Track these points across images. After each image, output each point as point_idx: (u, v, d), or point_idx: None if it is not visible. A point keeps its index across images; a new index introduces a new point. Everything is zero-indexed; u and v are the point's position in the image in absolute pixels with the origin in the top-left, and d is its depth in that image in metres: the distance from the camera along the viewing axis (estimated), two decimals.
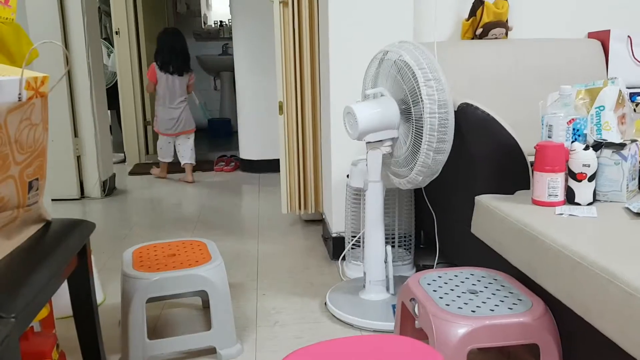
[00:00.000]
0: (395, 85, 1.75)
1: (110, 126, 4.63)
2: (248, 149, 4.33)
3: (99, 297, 2.06)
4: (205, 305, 2.01)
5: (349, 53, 2.27)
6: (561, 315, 1.29)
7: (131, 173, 4.48)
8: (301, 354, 1.00)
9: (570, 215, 1.42)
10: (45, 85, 1.07)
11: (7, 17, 1.26)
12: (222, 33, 6.55)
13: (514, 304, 1.33)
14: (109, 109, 4.14)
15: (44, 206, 1.23)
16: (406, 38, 2.24)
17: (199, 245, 1.82)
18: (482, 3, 2.36)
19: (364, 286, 1.96)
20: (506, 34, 2.41)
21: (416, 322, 1.39)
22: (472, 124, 1.68)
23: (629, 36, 2.40)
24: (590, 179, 1.49)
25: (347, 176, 2.23)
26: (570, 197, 1.52)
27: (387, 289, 1.95)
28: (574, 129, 1.57)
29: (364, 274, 1.95)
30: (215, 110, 6.65)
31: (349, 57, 2.27)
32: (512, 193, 1.67)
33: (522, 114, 2.21)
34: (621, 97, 1.64)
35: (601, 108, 1.62)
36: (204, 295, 1.98)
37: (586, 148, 1.49)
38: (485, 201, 1.63)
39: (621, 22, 2.55)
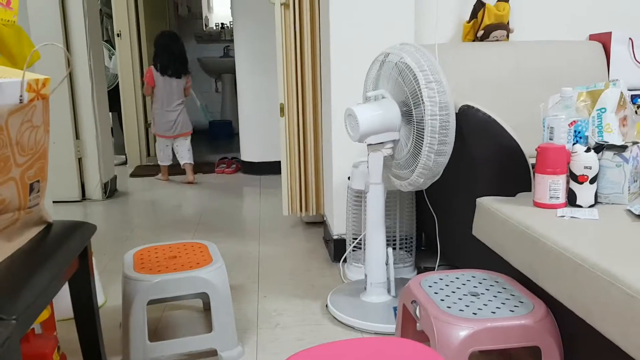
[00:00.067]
0: (397, 87, 1.75)
1: (112, 128, 4.64)
2: (249, 151, 4.33)
3: (100, 299, 2.06)
4: (206, 308, 2.01)
5: (350, 55, 2.27)
6: (562, 318, 1.29)
7: (132, 175, 4.49)
8: (302, 356, 1.00)
9: (571, 217, 1.42)
10: (47, 88, 1.07)
11: (8, 20, 1.26)
12: (224, 35, 6.56)
13: (515, 306, 1.33)
14: (110, 111, 4.15)
15: (45, 208, 1.23)
16: (407, 40, 2.24)
17: (200, 247, 1.81)
18: (483, 5, 2.36)
19: (365, 288, 1.96)
20: (507, 36, 2.41)
21: (417, 324, 1.39)
22: (473, 126, 1.68)
23: (630, 38, 2.40)
24: (592, 181, 1.49)
25: (348, 178, 2.23)
26: (571, 200, 1.52)
27: (389, 291, 1.94)
28: (575, 131, 1.57)
29: (365, 276, 1.95)
30: (216, 113, 6.66)
31: (350, 59, 2.27)
32: (514, 195, 1.67)
33: (523, 116, 2.21)
34: (623, 99, 1.64)
35: (603, 110, 1.62)
36: (205, 298, 1.98)
37: (588, 150, 1.49)
38: (486, 203, 1.63)
39: (622, 24, 2.55)
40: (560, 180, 1.49)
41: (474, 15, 2.40)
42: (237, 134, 4.51)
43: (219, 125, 6.34)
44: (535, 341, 1.27)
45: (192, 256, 1.73)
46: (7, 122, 0.97)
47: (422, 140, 1.65)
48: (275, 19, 2.60)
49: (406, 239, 2.26)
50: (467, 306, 1.33)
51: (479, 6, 2.37)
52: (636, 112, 2.17)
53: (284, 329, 1.86)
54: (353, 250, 2.29)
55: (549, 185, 1.49)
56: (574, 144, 1.55)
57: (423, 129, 1.64)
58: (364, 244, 2.03)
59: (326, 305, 2.00)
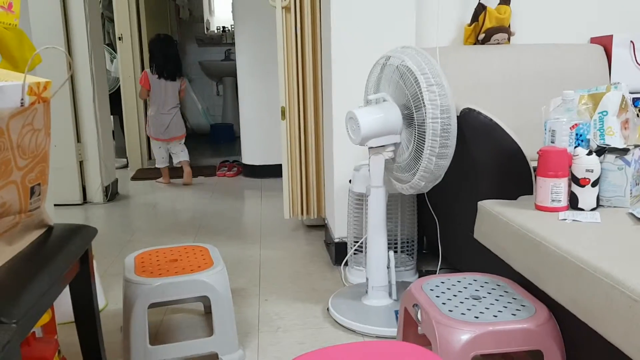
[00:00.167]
0: (398, 90, 1.75)
1: (113, 131, 4.64)
2: (250, 154, 4.33)
3: (101, 302, 2.05)
4: (207, 311, 2.01)
5: (351, 58, 2.27)
6: (565, 321, 1.28)
7: (133, 178, 4.49)
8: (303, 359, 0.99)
9: (573, 220, 1.42)
10: (48, 91, 1.07)
11: (10, 23, 1.26)
12: (225, 39, 6.57)
13: (517, 310, 1.32)
14: (111, 114, 4.15)
15: (46, 211, 1.23)
16: (408, 43, 2.24)
17: (201, 251, 1.81)
18: (485, 8, 2.36)
19: (367, 292, 1.96)
20: (508, 39, 2.41)
21: (419, 328, 1.38)
22: (474, 129, 1.67)
23: (631, 41, 2.39)
24: (594, 184, 1.49)
25: (350, 181, 2.23)
26: (573, 203, 1.51)
27: (390, 294, 1.94)
28: (577, 134, 1.57)
29: (367, 279, 1.95)
30: (217, 116, 6.67)
31: (351, 62, 2.27)
32: (515, 198, 1.66)
33: (524, 119, 2.21)
34: (624, 102, 1.64)
35: (604, 113, 1.62)
36: (206, 301, 1.98)
37: (589, 153, 1.49)
38: (488, 206, 1.62)
39: (624, 27, 2.55)
40: (562, 183, 1.49)
41: (475, 18, 2.40)
42: (239, 137, 4.51)
43: (220, 129, 6.35)
44: (537, 345, 1.26)
45: (193, 259, 1.73)
46: (8, 125, 0.97)
47: (424, 143, 1.65)
48: (276, 22, 2.60)
49: (407, 242, 2.25)
50: (469, 310, 1.33)
51: (480, 9, 2.37)
52: (638, 115, 2.17)
53: (285, 332, 1.86)
54: (354, 254, 2.29)
55: (551, 189, 1.49)
56: (575, 147, 1.55)
57: (424, 132, 1.64)
58: (365, 247, 2.03)
59: (327, 309, 2.00)
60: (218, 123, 6.52)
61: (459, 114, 1.70)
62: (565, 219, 1.43)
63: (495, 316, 1.29)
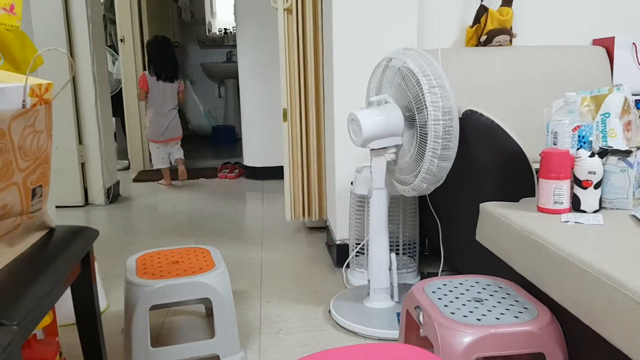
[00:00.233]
0: (400, 92, 1.75)
1: (115, 133, 4.65)
2: (252, 156, 4.33)
3: (103, 304, 2.05)
4: (209, 313, 2.01)
5: (353, 60, 2.27)
6: (567, 324, 1.28)
7: (135, 180, 4.49)
8: None
9: (576, 222, 1.41)
10: (50, 92, 1.07)
11: (12, 25, 1.26)
12: (227, 40, 6.58)
13: (519, 312, 1.32)
14: (113, 116, 4.16)
15: (48, 213, 1.23)
16: (410, 45, 2.24)
17: (203, 253, 1.81)
18: (486, 10, 2.36)
19: (368, 294, 1.95)
20: (510, 41, 2.40)
21: (421, 330, 1.38)
22: (476, 131, 1.67)
23: (633, 43, 2.39)
24: (596, 186, 1.48)
25: (351, 183, 2.23)
26: (576, 205, 1.51)
27: (392, 296, 1.94)
28: (579, 136, 1.57)
29: (368, 281, 1.94)
30: (219, 118, 6.67)
31: (353, 64, 2.27)
32: (517, 200, 1.66)
33: (526, 121, 2.21)
34: (627, 104, 1.63)
35: (607, 115, 1.61)
36: (207, 303, 1.97)
37: (592, 155, 1.48)
38: (490, 208, 1.62)
39: (626, 29, 2.54)
40: (564, 185, 1.48)
41: (477, 20, 2.40)
42: (240, 139, 4.51)
43: (222, 130, 6.35)
44: (539, 347, 1.26)
45: (194, 261, 1.73)
46: (10, 127, 0.97)
47: (426, 145, 1.64)
48: (278, 23, 2.60)
49: (409, 244, 2.25)
50: (471, 312, 1.32)
51: (482, 11, 2.37)
52: None
53: (286, 334, 1.85)
54: (356, 256, 2.28)
55: (553, 191, 1.49)
56: (578, 149, 1.55)
57: (426, 134, 1.64)
58: (367, 249, 2.02)
59: (329, 311, 2.00)
60: (220, 125, 6.52)
61: (461, 116, 1.70)
62: (568, 221, 1.43)
63: (498, 319, 1.29)
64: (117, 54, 4.97)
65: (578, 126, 1.56)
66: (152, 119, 4.14)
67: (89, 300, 1.35)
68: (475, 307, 1.35)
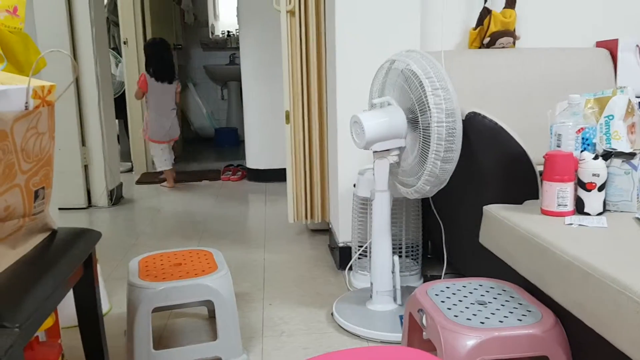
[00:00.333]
0: (403, 94, 1.75)
1: (118, 135, 4.65)
2: (255, 159, 4.33)
3: (105, 306, 2.05)
4: (211, 315, 2.00)
5: (356, 62, 2.26)
6: (571, 327, 1.27)
7: (138, 182, 4.49)
8: None
9: (580, 225, 1.41)
10: (52, 94, 1.07)
11: (15, 27, 1.26)
12: (230, 43, 6.59)
13: (523, 315, 1.31)
14: (116, 118, 4.16)
15: (50, 215, 1.23)
16: (413, 47, 2.24)
17: (205, 255, 1.81)
18: (490, 12, 2.35)
19: (371, 296, 1.95)
20: (514, 43, 2.40)
21: (424, 333, 1.38)
22: (480, 133, 1.67)
23: (637, 45, 2.38)
24: (600, 188, 1.48)
25: (354, 185, 2.22)
26: (579, 207, 1.50)
27: (395, 299, 1.93)
28: (583, 138, 1.56)
29: (371, 284, 1.94)
30: (222, 120, 6.67)
31: (356, 65, 2.27)
32: (521, 203, 1.65)
33: (530, 123, 2.20)
34: (630, 106, 1.63)
35: (610, 117, 1.61)
36: (210, 305, 1.97)
37: (596, 157, 1.48)
38: (493, 211, 1.62)
39: (629, 31, 2.54)
40: (568, 187, 1.48)
41: (480, 22, 2.40)
42: (243, 141, 4.51)
43: (225, 133, 6.36)
44: (543, 351, 1.25)
45: (197, 263, 1.73)
46: (13, 129, 0.97)
47: (429, 148, 1.64)
48: (281, 26, 2.60)
49: (412, 247, 2.24)
50: (475, 315, 1.32)
51: (485, 13, 2.37)
52: None
53: (289, 337, 1.85)
54: (359, 258, 2.28)
55: (557, 193, 1.48)
56: (581, 151, 1.54)
57: (429, 136, 1.63)
58: (370, 252, 2.02)
59: (332, 314, 1.99)
60: (222, 127, 6.53)
61: (464, 118, 1.69)
62: (572, 224, 1.42)
63: (501, 322, 1.28)
64: (120, 56, 4.98)
65: (582, 128, 1.56)
66: (153, 120, 4.18)
67: (91, 302, 1.35)
68: (479, 310, 1.34)
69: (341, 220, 2.41)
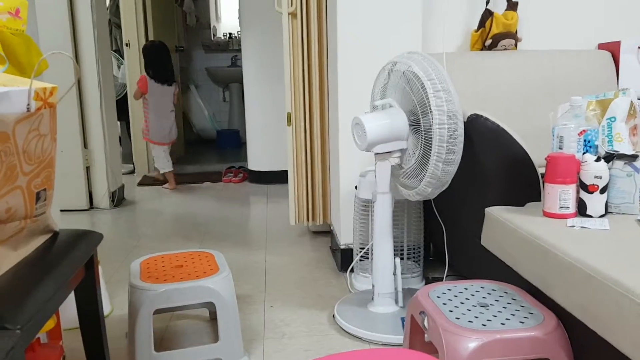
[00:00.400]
0: (404, 96, 1.74)
1: (120, 137, 4.66)
2: (256, 160, 4.33)
3: (106, 308, 2.05)
4: (213, 317, 2.00)
5: (358, 64, 2.26)
6: (573, 330, 1.27)
7: (140, 184, 4.50)
8: None
9: (582, 227, 1.41)
10: (54, 96, 1.07)
11: (17, 29, 1.26)
12: (231, 45, 6.60)
13: (525, 317, 1.31)
14: (118, 120, 4.17)
15: (52, 217, 1.23)
16: (415, 49, 2.24)
17: (207, 257, 1.81)
18: (491, 14, 2.35)
19: (373, 299, 1.94)
20: (515, 45, 2.40)
21: (426, 335, 1.37)
22: (482, 135, 1.67)
23: (639, 47, 2.38)
24: (602, 190, 1.47)
25: (356, 187, 2.22)
26: (581, 209, 1.50)
27: (396, 301, 1.93)
28: (585, 140, 1.56)
29: (373, 286, 1.94)
30: (224, 122, 6.68)
31: (358, 67, 2.27)
32: (523, 205, 1.65)
33: (532, 125, 2.20)
34: (633, 108, 1.62)
35: (612, 119, 1.60)
36: (211, 307, 1.97)
37: (598, 159, 1.48)
38: (495, 213, 1.61)
39: (631, 33, 2.54)
40: (570, 190, 1.48)
41: (482, 24, 2.40)
42: (245, 143, 4.52)
43: (227, 135, 6.36)
44: (545, 353, 1.25)
45: (198, 265, 1.73)
46: (14, 131, 0.97)
47: (430, 150, 1.64)
48: (282, 28, 2.60)
49: (414, 249, 2.24)
50: (477, 317, 1.32)
51: (487, 15, 2.37)
52: None
53: (290, 339, 1.85)
54: (360, 260, 2.28)
55: (559, 195, 1.48)
56: (583, 153, 1.54)
57: (431, 138, 1.63)
58: (372, 254, 2.02)
59: (333, 316, 1.99)
60: (224, 129, 6.53)
61: (466, 120, 1.69)
62: (574, 226, 1.42)
63: (503, 324, 1.28)
64: (123, 58, 4.99)
65: (584, 130, 1.55)
66: (154, 122, 4.23)
67: (92, 304, 1.35)
68: (481, 313, 1.34)
69: (343, 222, 2.41)
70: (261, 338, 1.86)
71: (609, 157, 1.50)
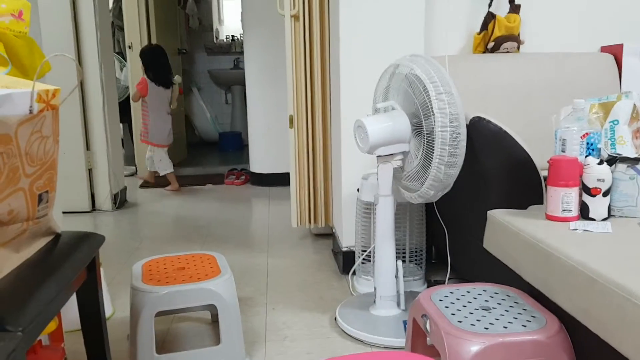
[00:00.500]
0: (407, 98, 1.74)
1: (122, 139, 4.67)
2: (258, 163, 4.33)
3: (108, 310, 2.05)
4: (214, 319, 2.00)
5: (360, 66, 2.27)
6: (576, 333, 1.27)
7: (142, 186, 4.50)
8: None
9: (584, 230, 1.40)
10: (57, 98, 1.07)
11: (20, 31, 1.27)
12: (234, 47, 6.61)
13: (527, 321, 1.31)
14: (120, 122, 4.18)
15: (54, 219, 1.23)
16: (417, 51, 2.24)
17: (209, 259, 1.81)
18: (494, 17, 2.35)
19: (375, 301, 1.94)
20: (518, 47, 2.40)
21: (428, 338, 1.37)
22: (484, 138, 1.66)
23: None
24: (605, 194, 1.47)
25: (358, 190, 2.22)
26: (584, 212, 1.50)
27: (398, 304, 1.92)
28: (587, 143, 1.55)
29: (375, 289, 1.93)
30: (226, 124, 6.68)
31: (360, 70, 2.27)
32: (525, 208, 1.65)
33: (534, 127, 2.20)
34: (635, 111, 1.62)
35: (615, 122, 1.60)
36: (213, 310, 1.97)
37: (600, 162, 1.47)
38: (497, 216, 1.61)
39: (634, 36, 2.53)
40: (573, 192, 1.47)
41: (484, 26, 2.40)
42: (247, 145, 4.52)
43: (229, 137, 6.36)
44: (548, 357, 1.25)
45: (200, 268, 1.73)
46: (17, 133, 0.98)
47: (433, 152, 1.64)
48: (285, 30, 2.60)
49: (416, 252, 2.24)
50: (479, 321, 1.31)
51: (490, 18, 2.37)
52: None
53: (292, 341, 1.84)
54: (362, 263, 2.27)
55: (562, 198, 1.47)
56: (586, 156, 1.54)
57: (433, 140, 1.63)
58: (373, 257, 2.01)
59: (335, 318, 1.99)
60: (226, 131, 6.54)
61: (468, 123, 1.69)
62: (576, 229, 1.41)
63: (506, 327, 1.28)
64: (125, 60, 5.00)
65: (586, 133, 1.55)
66: (154, 125, 4.28)
67: (94, 306, 1.35)
68: (483, 316, 1.34)
69: (345, 224, 2.41)
70: (263, 341, 1.86)
71: (612, 160, 1.50)
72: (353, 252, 2.37)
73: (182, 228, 3.25)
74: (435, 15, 2.41)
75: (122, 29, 5.02)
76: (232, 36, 6.67)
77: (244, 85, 4.45)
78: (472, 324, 1.29)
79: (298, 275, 2.45)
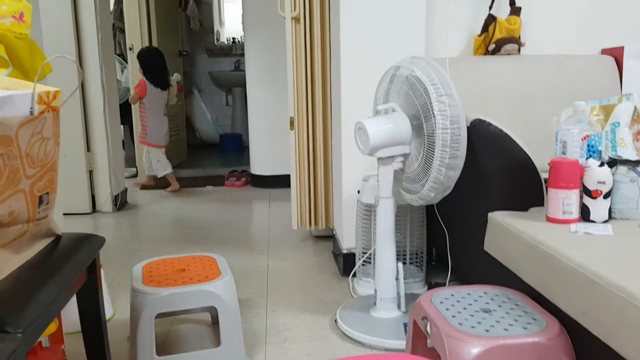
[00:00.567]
0: (407, 100, 1.74)
1: (123, 141, 4.67)
2: (259, 164, 4.33)
3: (108, 312, 2.05)
4: (215, 321, 2.00)
5: (361, 68, 2.27)
6: (577, 335, 1.26)
7: (143, 188, 4.50)
8: None
9: (585, 232, 1.40)
10: (57, 100, 1.07)
11: (21, 32, 1.27)
12: (235, 49, 6.61)
13: (528, 323, 1.30)
14: (121, 124, 4.18)
15: (54, 220, 1.23)
16: (418, 53, 2.24)
17: (209, 261, 1.81)
18: (495, 19, 2.35)
19: (375, 303, 1.94)
20: (519, 50, 2.40)
21: (428, 341, 1.37)
22: (485, 140, 1.66)
23: None
24: (606, 196, 1.47)
25: (358, 192, 2.22)
26: (585, 215, 1.49)
27: (399, 306, 1.92)
28: (588, 146, 1.55)
29: (375, 291, 1.93)
30: (226, 126, 6.69)
31: (361, 72, 2.27)
32: (526, 210, 1.65)
33: (535, 130, 2.20)
34: (636, 114, 1.62)
35: (616, 124, 1.60)
36: (213, 311, 1.97)
37: (601, 165, 1.47)
38: (498, 218, 1.61)
39: (635, 38, 2.53)
40: (574, 195, 1.47)
41: (485, 29, 2.40)
42: (247, 147, 4.52)
43: (229, 139, 6.37)
44: (548, 359, 1.24)
45: (200, 269, 1.73)
46: (17, 134, 0.98)
47: (433, 154, 1.64)
48: (285, 32, 2.60)
49: (416, 254, 2.24)
50: (479, 323, 1.31)
51: (490, 20, 2.37)
52: None
53: (292, 343, 1.84)
54: (362, 265, 2.27)
55: (562, 200, 1.47)
56: (587, 158, 1.54)
57: (434, 142, 1.63)
58: (374, 259, 2.01)
59: (335, 320, 1.98)
60: (227, 133, 6.54)
61: (469, 125, 1.69)
62: (577, 231, 1.41)
63: (506, 330, 1.28)
64: (126, 62, 5.00)
65: (587, 135, 1.55)
66: (153, 125, 4.32)
67: (94, 307, 1.35)
68: (484, 318, 1.33)
69: (345, 226, 2.40)
70: (263, 342, 1.86)
71: (613, 163, 1.50)
72: (353, 254, 2.37)
73: (183, 230, 3.25)
74: (435, 17, 2.41)
75: (123, 30, 5.03)
76: (233, 38, 6.68)
77: (244, 87, 4.46)
78: (472, 327, 1.29)
79: (298, 277, 2.45)
